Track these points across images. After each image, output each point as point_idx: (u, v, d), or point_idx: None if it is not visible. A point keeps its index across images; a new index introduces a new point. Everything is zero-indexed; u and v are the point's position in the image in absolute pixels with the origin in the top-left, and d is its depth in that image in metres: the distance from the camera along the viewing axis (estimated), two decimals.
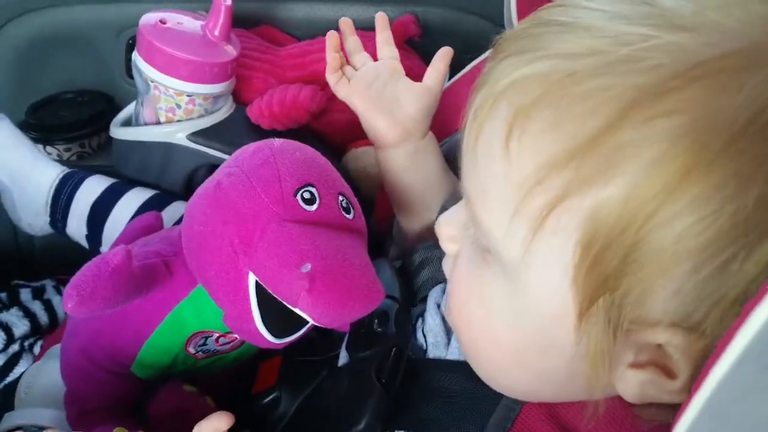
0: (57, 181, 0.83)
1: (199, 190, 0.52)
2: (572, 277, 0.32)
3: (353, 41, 0.74)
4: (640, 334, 0.32)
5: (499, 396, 0.41)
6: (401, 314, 0.52)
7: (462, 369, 0.43)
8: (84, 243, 0.84)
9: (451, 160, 0.76)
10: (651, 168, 0.29)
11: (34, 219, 0.85)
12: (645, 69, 0.30)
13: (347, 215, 0.50)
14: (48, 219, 0.84)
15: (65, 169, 0.86)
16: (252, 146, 0.51)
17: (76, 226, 0.83)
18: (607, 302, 0.31)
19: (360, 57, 0.72)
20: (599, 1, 0.33)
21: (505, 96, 0.33)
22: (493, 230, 0.35)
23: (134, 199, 0.82)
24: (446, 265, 0.44)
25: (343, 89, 0.68)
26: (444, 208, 0.58)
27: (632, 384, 0.33)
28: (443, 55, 0.70)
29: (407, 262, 0.60)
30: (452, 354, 0.47)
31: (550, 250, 0.32)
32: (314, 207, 0.48)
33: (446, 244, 0.43)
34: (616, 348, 0.32)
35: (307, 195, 0.48)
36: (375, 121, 0.66)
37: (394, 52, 0.73)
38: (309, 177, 0.49)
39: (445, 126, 0.80)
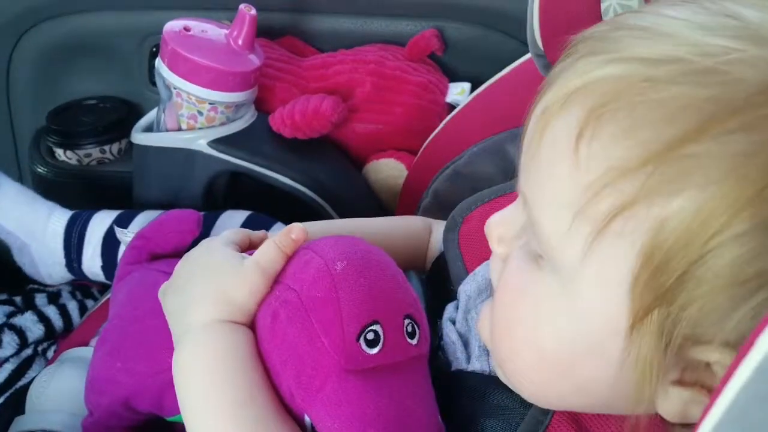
0: (65, 223, 0.83)
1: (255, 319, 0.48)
2: (630, 285, 0.31)
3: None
4: (691, 350, 0.31)
5: (526, 407, 0.40)
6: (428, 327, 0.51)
7: (488, 382, 0.43)
8: (101, 277, 0.83)
9: (465, 174, 0.75)
10: (724, 183, 0.28)
11: (53, 269, 0.84)
12: (727, 82, 0.29)
13: (411, 341, 0.45)
14: (64, 261, 0.83)
15: (72, 211, 0.85)
16: (312, 267, 0.45)
17: (90, 262, 0.82)
18: (662, 314, 0.30)
19: None
20: (682, 10, 0.33)
21: (578, 96, 0.32)
22: (551, 232, 0.34)
23: (145, 221, 0.82)
24: (494, 268, 0.43)
25: None
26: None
27: (675, 402, 0.33)
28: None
29: (435, 268, 0.59)
30: (474, 368, 0.46)
31: (611, 255, 0.31)
32: (377, 349, 0.43)
33: (496, 246, 0.42)
34: (665, 362, 0.31)
35: (370, 336, 0.43)
36: None
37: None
38: (374, 313, 0.43)
39: (465, 140, 0.80)
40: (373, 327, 0.43)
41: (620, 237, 0.31)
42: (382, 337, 0.43)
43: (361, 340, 0.42)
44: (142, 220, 0.80)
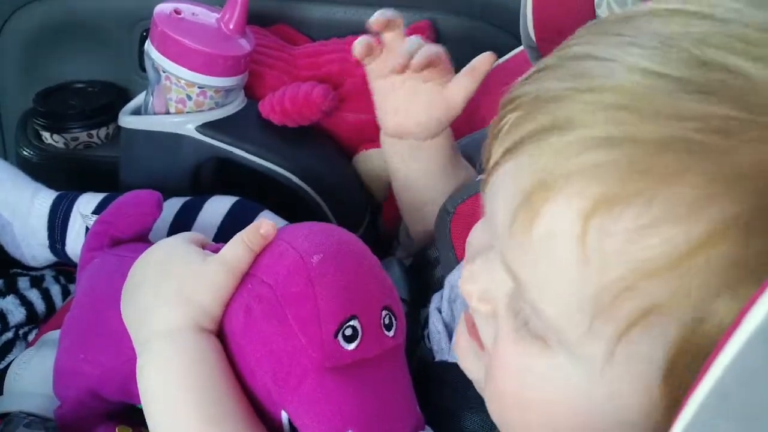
0: (51, 203, 0.81)
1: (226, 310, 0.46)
2: (665, 375, 0.29)
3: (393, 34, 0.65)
4: None
5: None
6: (408, 316, 0.51)
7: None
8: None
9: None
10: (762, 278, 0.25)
11: (36, 250, 0.82)
12: (752, 164, 0.26)
13: (388, 333, 0.44)
14: (47, 243, 0.81)
15: (52, 195, 0.83)
16: (286, 260, 0.44)
17: (74, 244, 0.80)
18: None
19: (395, 35, 0.64)
20: (650, 53, 0.29)
21: (573, 184, 0.28)
22: (565, 327, 0.30)
23: None
24: (479, 320, 0.38)
25: (371, 63, 0.64)
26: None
27: None
28: (475, 68, 0.62)
29: (421, 257, 0.59)
30: (455, 359, 0.46)
31: (642, 351, 0.29)
32: (355, 344, 0.42)
33: (478, 305, 0.37)
34: None
35: (348, 332, 0.42)
36: (380, 110, 0.63)
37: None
38: (351, 307, 0.43)
39: (456, 131, 0.79)
40: (351, 322, 0.42)
41: (650, 336, 0.28)
42: (360, 332, 0.42)
43: (339, 336, 0.42)
44: None
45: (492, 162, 0.33)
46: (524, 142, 0.30)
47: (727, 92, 0.27)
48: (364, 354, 0.42)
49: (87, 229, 0.76)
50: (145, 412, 0.44)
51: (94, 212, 0.76)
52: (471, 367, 0.40)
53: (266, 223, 0.46)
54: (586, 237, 0.28)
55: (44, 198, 0.81)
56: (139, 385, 0.44)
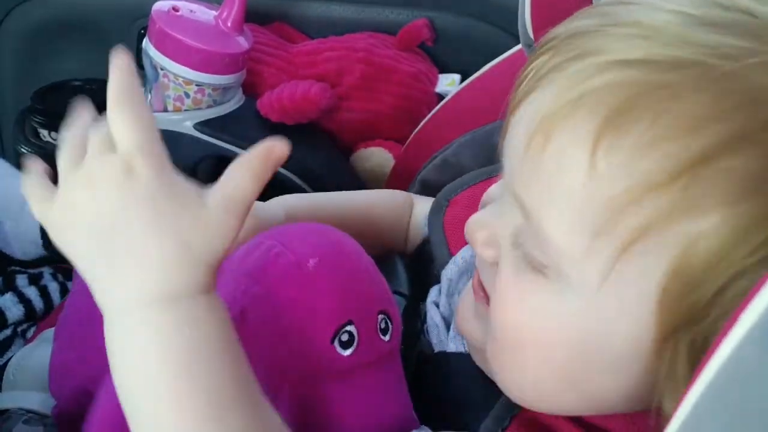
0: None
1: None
2: (656, 304, 0.30)
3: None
4: None
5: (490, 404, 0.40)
6: (409, 310, 0.51)
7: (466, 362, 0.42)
8: None
9: (452, 164, 0.75)
10: (763, 198, 0.27)
11: (29, 248, 0.81)
12: (752, 89, 0.28)
13: (384, 337, 0.43)
14: (41, 243, 0.80)
15: None
16: (281, 263, 0.41)
17: None
18: (692, 331, 0.29)
19: None
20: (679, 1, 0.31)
21: (586, 103, 0.30)
22: (565, 249, 0.32)
23: None
24: (483, 272, 0.39)
25: None
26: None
27: None
28: None
29: (420, 251, 0.59)
30: (450, 348, 0.46)
31: (636, 273, 0.30)
32: (351, 350, 0.41)
33: (482, 250, 0.38)
34: (690, 375, 0.29)
35: (345, 337, 0.41)
36: None
37: None
38: (348, 312, 0.41)
39: (453, 130, 0.80)
40: (348, 328, 0.41)
41: (646, 255, 0.29)
42: (356, 337, 0.41)
43: (336, 342, 0.41)
44: None
45: (513, 104, 0.34)
46: (547, 74, 0.32)
47: (738, 27, 0.29)
48: (360, 359, 0.42)
49: None
50: (123, 397, 0.34)
51: None
52: (471, 327, 0.41)
53: (279, 145, 0.35)
54: (596, 151, 0.29)
55: None
56: (116, 360, 0.34)
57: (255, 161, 0.35)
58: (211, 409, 0.32)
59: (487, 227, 0.38)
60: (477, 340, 0.41)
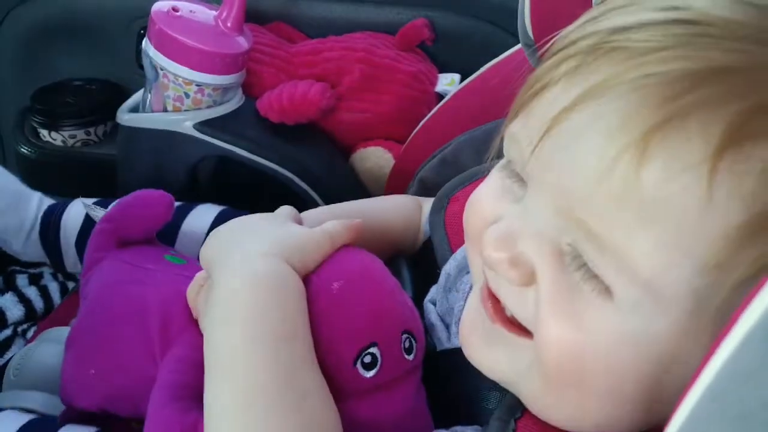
0: (40, 219, 0.77)
1: None
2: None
3: None
4: None
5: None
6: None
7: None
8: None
9: (451, 163, 0.75)
10: None
11: (23, 248, 0.78)
12: None
13: (408, 356, 0.43)
14: (48, 261, 0.79)
15: (45, 204, 0.78)
16: (306, 285, 0.42)
17: (72, 257, 0.77)
18: None
19: None
20: None
21: (693, 118, 0.26)
22: (661, 279, 0.28)
23: None
24: (515, 304, 0.35)
25: None
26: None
27: None
28: None
29: (423, 250, 0.59)
30: (455, 344, 0.46)
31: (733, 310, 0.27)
32: (374, 371, 0.41)
33: (511, 272, 0.33)
34: None
35: (368, 359, 0.41)
36: None
37: None
38: (372, 335, 0.41)
39: (453, 130, 0.80)
40: (371, 350, 0.41)
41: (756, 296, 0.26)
42: (379, 359, 0.41)
43: (358, 364, 0.41)
44: None
45: (559, 107, 0.30)
46: (614, 77, 0.28)
47: None
48: (384, 379, 0.42)
49: (86, 218, 0.75)
50: (207, 339, 0.41)
51: (97, 204, 0.74)
52: (493, 360, 0.37)
53: (358, 223, 0.46)
54: (714, 176, 0.26)
55: (26, 203, 0.78)
56: (208, 308, 0.41)
57: (348, 224, 0.45)
58: (276, 339, 0.38)
59: (512, 245, 0.34)
60: (503, 373, 0.38)
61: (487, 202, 0.38)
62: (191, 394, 0.44)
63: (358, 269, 0.44)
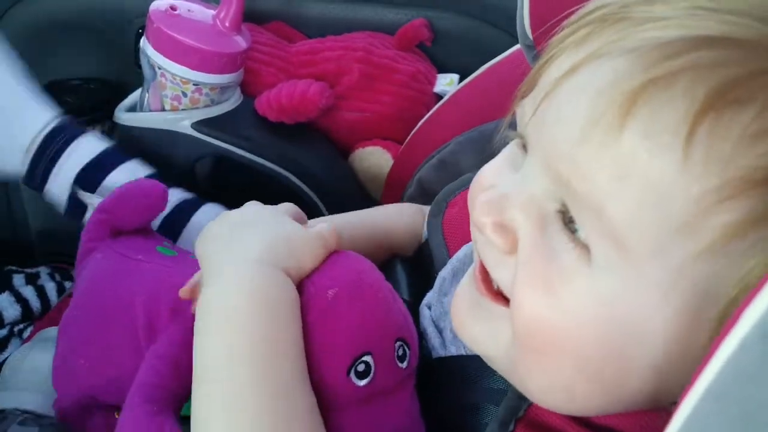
0: (46, 133, 0.72)
1: None
2: (721, 308, 0.28)
3: None
4: None
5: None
6: (412, 315, 0.50)
7: (478, 366, 0.41)
8: (63, 205, 0.73)
9: (450, 164, 0.75)
10: None
11: (6, 164, 0.73)
12: None
13: (401, 364, 0.42)
14: (25, 169, 0.73)
15: (56, 120, 0.74)
16: (301, 291, 0.42)
17: (58, 190, 0.72)
18: None
19: None
20: None
21: (680, 80, 0.27)
22: (632, 239, 0.28)
23: (137, 171, 0.74)
24: (495, 267, 0.35)
25: None
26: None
27: None
28: None
29: (419, 254, 0.58)
30: (450, 352, 0.46)
31: (712, 273, 0.28)
32: (367, 380, 0.41)
33: (496, 236, 0.34)
34: None
35: (361, 368, 0.41)
36: None
37: None
38: (365, 344, 0.41)
39: (451, 130, 0.79)
40: (365, 358, 0.41)
41: (729, 257, 0.27)
42: (373, 367, 0.41)
43: (352, 373, 0.40)
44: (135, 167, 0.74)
45: (562, 71, 0.31)
46: (613, 42, 0.29)
47: None
48: (377, 388, 0.41)
49: (72, 201, 0.72)
50: (196, 342, 0.40)
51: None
52: (476, 332, 0.37)
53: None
54: (692, 138, 0.26)
55: (36, 114, 0.73)
56: (198, 312, 0.40)
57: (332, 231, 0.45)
58: (263, 356, 0.37)
59: (500, 210, 0.34)
60: (485, 345, 0.38)
61: (489, 173, 0.38)
62: (165, 396, 0.44)
63: (352, 276, 0.43)
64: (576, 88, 0.31)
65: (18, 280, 0.82)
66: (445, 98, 0.87)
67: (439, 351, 0.47)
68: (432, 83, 0.98)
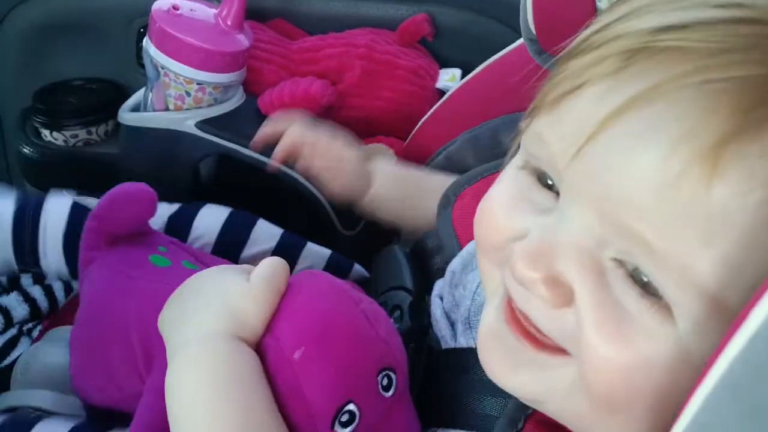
0: (13, 213, 0.68)
1: None
2: None
3: None
4: None
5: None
6: (415, 306, 0.51)
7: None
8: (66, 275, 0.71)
9: (456, 160, 0.75)
10: None
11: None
12: None
13: (386, 394, 0.41)
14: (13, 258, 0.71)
15: (17, 199, 0.70)
16: (270, 355, 0.41)
17: (55, 263, 0.70)
18: None
19: None
20: None
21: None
22: (726, 286, 0.26)
23: None
24: (549, 325, 0.32)
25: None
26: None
27: None
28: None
29: (420, 245, 0.59)
30: (460, 344, 0.46)
31: None
32: (354, 425, 0.40)
33: (547, 293, 0.31)
34: None
35: (345, 417, 0.39)
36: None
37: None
38: (346, 392, 0.39)
39: (455, 126, 0.80)
40: (348, 407, 0.39)
41: None
42: (358, 414, 0.40)
43: (336, 424, 0.39)
44: None
45: (606, 112, 0.28)
46: (668, 82, 0.27)
47: None
48: (363, 425, 0.40)
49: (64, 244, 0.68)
50: (170, 420, 0.40)
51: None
52: (523, 381, 0.34)
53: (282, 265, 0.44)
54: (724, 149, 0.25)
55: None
56: (167, 391, 0.40)
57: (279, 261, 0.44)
58: (237, 427, 0.37)
59: (548, 264, 0.31)
60: (534, 393, 0.35)
61: (502, 212, 0.35)
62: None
63: (316, 323, 0.41)
64: (638, 135, 0.28)
65: (25, 279, 0.83)
66: (448, 94, 0.87)
67: (449, 342, 0.47)
68: (434, 79, 0.98)
